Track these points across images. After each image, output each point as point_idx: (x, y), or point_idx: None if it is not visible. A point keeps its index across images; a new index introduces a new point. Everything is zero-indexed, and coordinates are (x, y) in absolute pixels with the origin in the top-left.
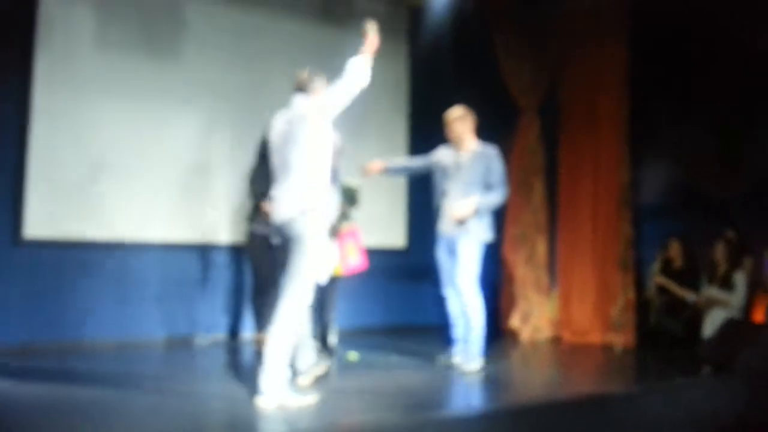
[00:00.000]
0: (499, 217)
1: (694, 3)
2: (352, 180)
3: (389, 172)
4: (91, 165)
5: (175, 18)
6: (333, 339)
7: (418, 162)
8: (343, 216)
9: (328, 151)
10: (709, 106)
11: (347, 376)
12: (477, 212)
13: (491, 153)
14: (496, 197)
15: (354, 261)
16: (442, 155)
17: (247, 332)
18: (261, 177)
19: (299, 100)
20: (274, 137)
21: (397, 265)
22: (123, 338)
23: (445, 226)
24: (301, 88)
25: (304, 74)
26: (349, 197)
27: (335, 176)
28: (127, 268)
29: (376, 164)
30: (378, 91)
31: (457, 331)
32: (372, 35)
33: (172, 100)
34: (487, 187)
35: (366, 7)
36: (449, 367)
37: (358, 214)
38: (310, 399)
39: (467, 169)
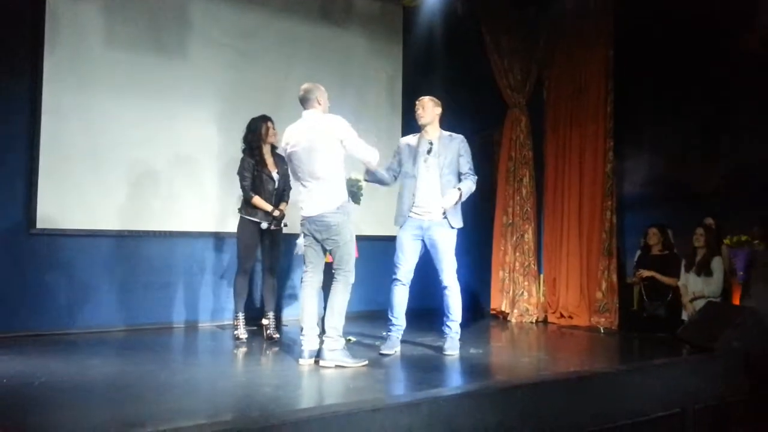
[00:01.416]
0: (490, 206)
1: (674, 3)
2: (357, 174)
3: (369, 176)
4: (99, 159)
5: (181, 17)
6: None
7: (390, 170)
8: None
9: (343, 156)
10: (688, 101)
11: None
12: (458, 201)
13: (459, 138)
14: (473, 184)
15: None
16: (409, 141)
17: (250, 317)
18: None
19: (312, 115)
20: (296, 148)
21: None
22: (131, 324)
23: (421, 212)
24: (301, 102)
25: (302, 90)
26: (353, 193)
27: None
28: (135, 256)
29: None
30: (373, 87)
31: (399, 320)
32: None
33: (177, 96)
34: (459, 174)
35: (363, 7)
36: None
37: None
38: (362, 362)
39: (439, 152)
